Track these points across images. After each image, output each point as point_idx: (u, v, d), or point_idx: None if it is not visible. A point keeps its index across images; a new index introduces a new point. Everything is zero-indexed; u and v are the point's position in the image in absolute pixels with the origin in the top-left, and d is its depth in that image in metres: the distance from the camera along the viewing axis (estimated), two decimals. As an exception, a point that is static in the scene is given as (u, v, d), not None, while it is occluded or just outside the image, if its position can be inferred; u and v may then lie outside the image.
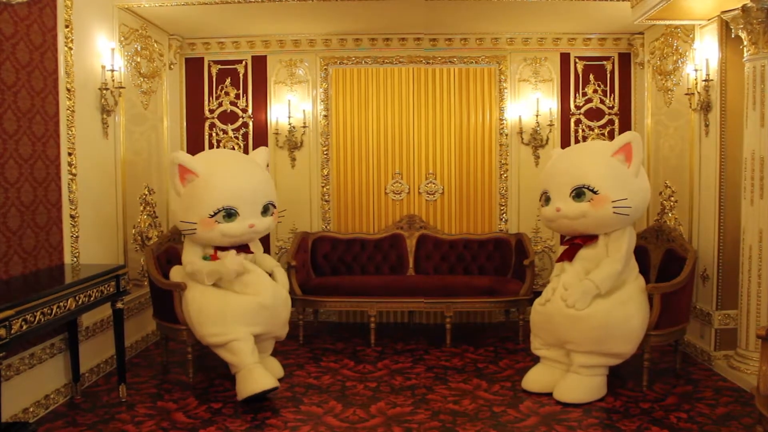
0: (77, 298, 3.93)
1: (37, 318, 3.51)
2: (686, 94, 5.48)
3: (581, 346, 4.43)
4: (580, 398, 4.42)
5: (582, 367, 4.46)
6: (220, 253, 4.73)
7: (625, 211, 4.46)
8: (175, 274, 4.98)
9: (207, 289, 4.72)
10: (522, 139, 6.76)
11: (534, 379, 4.70)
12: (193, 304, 4.70)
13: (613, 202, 4.43)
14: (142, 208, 5.91)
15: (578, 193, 4.50)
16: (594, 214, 4.48)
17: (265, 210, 4.83)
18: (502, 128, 6.77)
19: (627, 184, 4.50)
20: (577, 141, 6.80)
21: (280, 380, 4.81)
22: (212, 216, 4.58)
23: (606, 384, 4.56)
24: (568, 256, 4.72)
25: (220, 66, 6.88)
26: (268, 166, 5.17)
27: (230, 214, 4.62)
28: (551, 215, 4.69)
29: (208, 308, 4.63)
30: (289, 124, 6.71)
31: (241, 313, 4.60)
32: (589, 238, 4.65)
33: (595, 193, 4.44)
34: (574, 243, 4.71)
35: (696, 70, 5.33)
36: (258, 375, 4.43)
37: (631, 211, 4.52)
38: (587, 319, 4.37)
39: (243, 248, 4.86)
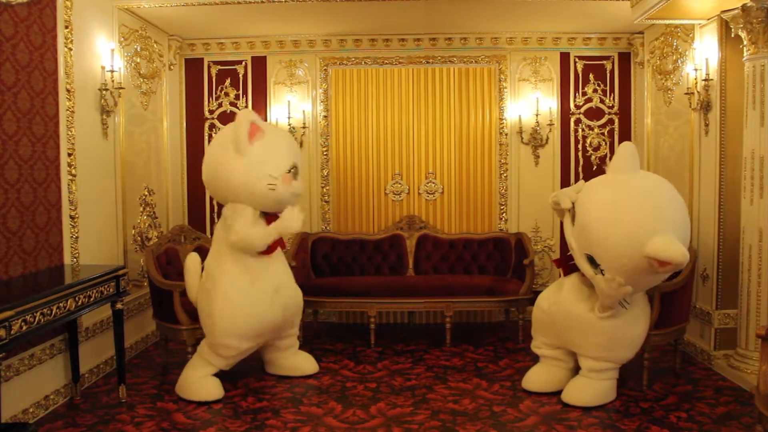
0: (77, 298, 3.93)
1: (37, 319, 3.51)
2: (686, 94, 5.48)
3: (587, 352, 4.40)
4: (588, 402, 4.36)
5: (592, 371, 4.42)
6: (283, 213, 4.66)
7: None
8: (192, 260, 4.77)
9: (239, 283, 4.55)
10: (522, 138, 6.76)
11: (534, 379, 4.69)
12: (218, 304, 4.50)
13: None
14: (141, 208, 5.92)
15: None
16: (600, 293, 4.19)
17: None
18: (502, 128, 6.77)
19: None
20: (576, 140, 6.80)
21: (311, 375, 5.02)
22: (289, 171, 4.63)
23: (616, 388, 4.50)
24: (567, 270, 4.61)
25: (219, 67, 6.88)
26: None
27: (297, 173, 4.73)
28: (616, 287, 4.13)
29: (236, 316, 4.49)
30: (289, 124, 6.71)
31: (262, 324, 4.60)
32: None
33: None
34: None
35: (696, 70, 5.32)
36: (212, 385, 4.56)
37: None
38: (593, 324, 4.32)
39: (279, 243, 4.82)
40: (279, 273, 4.79)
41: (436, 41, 6.70)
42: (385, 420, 4.20)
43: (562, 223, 4.58)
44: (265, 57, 6.83)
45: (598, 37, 6.68)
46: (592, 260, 4.14)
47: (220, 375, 4.71)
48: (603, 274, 4.06)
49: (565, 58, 6.78)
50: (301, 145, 6.78)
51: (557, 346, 4.63)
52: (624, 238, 3.90)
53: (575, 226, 4.28)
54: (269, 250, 4.70)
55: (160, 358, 5.54)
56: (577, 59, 6.79)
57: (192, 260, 4.78)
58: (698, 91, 5.31)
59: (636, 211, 3.93)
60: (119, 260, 5.41)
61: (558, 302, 4.53)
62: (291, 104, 6.71)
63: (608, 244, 3.98)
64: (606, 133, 6.81)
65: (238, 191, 4.55)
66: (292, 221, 4.62)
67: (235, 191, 4.57)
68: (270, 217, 4.70)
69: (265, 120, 6.81)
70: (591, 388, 4.41)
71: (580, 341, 4.41)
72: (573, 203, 4.34)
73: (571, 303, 4.43)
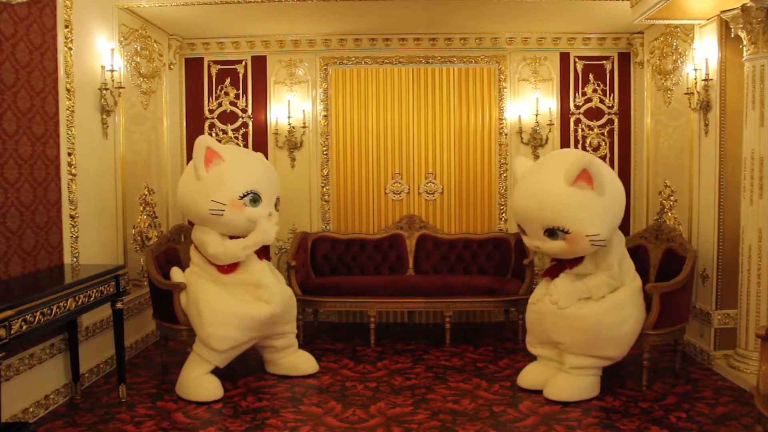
0: (77, 298, 3.93)
1: (37, 318, 3.51)
2: (686, 94, 5.48)
3: (572, 348, 4.45)
4: (569, 397, 4.43)
5: (573, 368, 4.47)
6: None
7: (601, 243, 4.34)
8: (176, 275, 4.99)
9: (220, 291, 4.72)
10: (522, 138, 6.76)
11: (528, 377, 4.73)
12: (203, 302, 4.62)
13: (587, 236, 4.27)
14: (141, 208, 5.91)
15: (551, 233, 4.36)
16: (572, 248, 4.36)
17: (276, 204, 4.97)
18: (502, 128, 6.77)
19: (596, 211, 4.27)
20: (576, 141, 6.81)
21: (311, 375, 5.04)
22: (241, 198, 4.64)
23: (599, 383, 4.57)
24: (552, 274, 4.67)
25: (219, 66, 6.88)
26: None
27: (255, 199, 4.72)
28: (533, 248, 4.66)
29: (221, 309, 4.59)
30: (289, 124, 6.71)
31: (249, 318, 4.63)
32: (576, 260, 4.56)
33: (567, 233, 4.28)
34: (560, 262, 4.63)
35: (695, 70, 5.33)
36: (212, 385, 4.57)
37: (608, 234, 4.37)
38: (578, 320, 4.38)
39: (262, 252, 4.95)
40: (257, 272, 4.83)
41: (436, 41, 6.70)
42: (385, 420, 4.20)
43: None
44: (265, 56, 6.83)
45: (597, 37, 6.68)
46: (551, 234, 4.38)
47: (220, 375, 4.72)
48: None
49: (564, 58, 6.78)
50: (300, 144, 6.78)
51: (544, 342, 4.65)
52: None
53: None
54: (230, 268, 4.80)
55: (160, 357, 5.54)
56: (576, 59, 6.79)
57: (176, 274, 4.96)
58: (698, 91, 5.31)
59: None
60: (119, 260, 5.41)
61: (544, 299, 4.58)
62: (291, 104, 6.71)
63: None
64: (606, 133, 6.81)
65: (196, 216, 4.81)
66: (266, 234, 4.73)
67: (194, 215, 4.85)
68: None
69: (266, 119, 6.83)
70: (571, 383, 4.46)
71: (565, 337, 4.45)
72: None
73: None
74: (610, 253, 4.48)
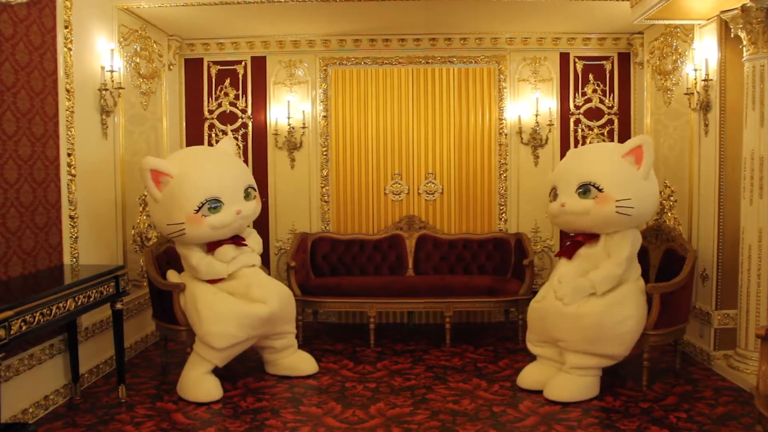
0: (77, 298, 3.93)
1: (37, 319, 3.51)
2: (686, 94, 5.47)
3: (573, 345, 4.45)
4: (569, 397, 4.43)
5: (574, 368, 4.47)
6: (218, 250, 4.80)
7: (627, 211, 4.46)
8: (172, 276, 4.99)
9: (217, 290, 4.74)
10: (521, 138, 6.76)
11: (528, 377, 4.73)
12: (201, 301, 4.63)
13: (616, 201, 4.44)
14: (141, 208, 5.91)
15: (584, 190, 4.54)
16: (597, 211, 4.50)
17: (247, 195, 4.90)
18: (502, 128, 6.77)
19: (633, 186, 4.52)
20: (576, 141, 6.81)
21: (311, 376, 5.04)
22: (197, 211, 4.57)
23: (598, 384, 4.56)
24: (568, 253, 4.75)
25: (219, 67, 6.88)
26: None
27: (215, 205, 4.63)
28: (556, 210, 4.76)
29: (219, 308, 4.60)
30: (289, 124, 6.71)
31: (247, 315, 4.62)
32: (591, 237, 4.67)
33: (600, 190, 4.48)
34: (576, 240, 4.73)
35: (695, 70, 5.33)
36: (211, 385, 4.57)
37: (635, 212, 4.51)
38: (581, 318, 4.39)
39: (237, 239, 4.90)
40: (248, 275, 4.86)
41: (435, 41, 6.70)
42: (385, 420, 4.20)
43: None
44: (264, 57, 6.83)
45: (597, 37, 6.68)
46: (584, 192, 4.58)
47: (220, 375, 4.72)
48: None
49: (564, 58, 6.78)
50: (300, 145, 6.78)
51: (547, 341, 4.65)
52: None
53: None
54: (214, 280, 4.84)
55: (159, 358, 5.54)
56: (576, 59, 6.79)
57: (172, 277, 4.98)
58: (698, 92, 5.31)
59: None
60: (119, 260, 5.41)
61: (548, 296, 4.59)
62: (291, 104, 6.71)
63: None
64: (606, 134, 6.81)
65: (167, 236, 4.92)
66: (252, 260, 4.97)
67: (166, 236, 4.97)
68: (212, 245, 4.82)
69: (265, 120, 6.83)
70: (572, 384, 4.46)
71: (567, 335, 4.45)
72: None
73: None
74: (625, 242, 4.56)
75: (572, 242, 4.78)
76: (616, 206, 4.45)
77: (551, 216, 4.94)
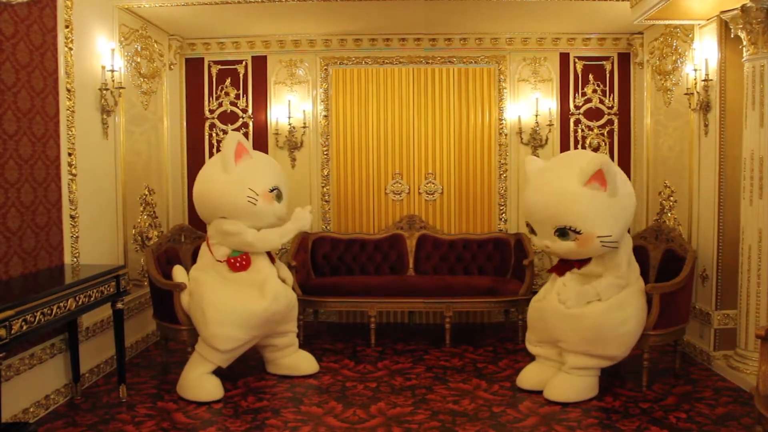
0: (77, 298, 3.94)
1: (37, 318, 3.51)
2: (685, 94, 5.48)
3: (573, 346, 4.45)
4: (569, 397, 4.44)
5: (573, 369, 4.48)
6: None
7: (612, 244, 4.36)
8: (178, 273, 4.98)
9: (223, 290, 4.71)
10: (521, 139, 6.77)
11: (528, 377, 4.74)
12: (207, 302, 4.61)
13: (598, 237, 4.29)
14: (142, 208, 5.92)
15: (562, 233, 4.36)
16: (582, 250, 4.39)
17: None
18: (502, 128, 6.78)
19: (608, 215, 4.30)
20: (576, 141, 6.81)
21: (311, 375, 5.06)
22: (271, 191, 4.88)
23: (597, 384, 4.57)
24: (560, 271, 4.68)
25: (220, 66, 6.88)
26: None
27: (280, 195, 4.98)
28: (542, 247, 4.61)
29: (225, 309, 4.59)
30: (289, 124, 6.72)
31: (249, 317, 4.63)
32: (584, 260, 4.58)
33: (578, 233, 4.29)
34: (568, 261, 4.64)
35: (695, 70, 5.33)
36: (212, 385, 4.58)
37: (619, 235, 4.39)
38: (581, 318, 4.39)
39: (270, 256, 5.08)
40: (265, 271, 4.90)
41: (435, 41, 6.71)
42: (385, 420, 4.21)
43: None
44: (265, 57, 6.84)
45: (597, 37, 6.68)
46: (562, 234, 4.38)
47: (221, 375, 4.72)
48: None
49: (564, 58, 6.78)
50: (301, 144, 6.79)
51: (547, 342, 4.65)
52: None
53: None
54: (243, 266, 4.87)
55: (160, 357, 5.55)
56: (576, 60, 6.79)
57: (178, 272, 4.98)
58: (698, 92, 5.31)
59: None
60: (119, 260, 5.42)
61: (548, 297, 4.58)
62: (291, 104, 6.71)
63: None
64: (605, 134, 6.82)
65: (222, 205, 4.84)
66: (303, 221, 5.15)
67: (217, 205, 4.86)
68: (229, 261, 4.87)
69: (266, 120, 6.83)
70: (571, 384, 4.46)
71: (567, 335, 4.44)
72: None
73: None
74: (618, 253, 4.48)
75: (566, 262, 4.66)
76: (601, 242, 4.31)
77: (538, 248, 4.92)
